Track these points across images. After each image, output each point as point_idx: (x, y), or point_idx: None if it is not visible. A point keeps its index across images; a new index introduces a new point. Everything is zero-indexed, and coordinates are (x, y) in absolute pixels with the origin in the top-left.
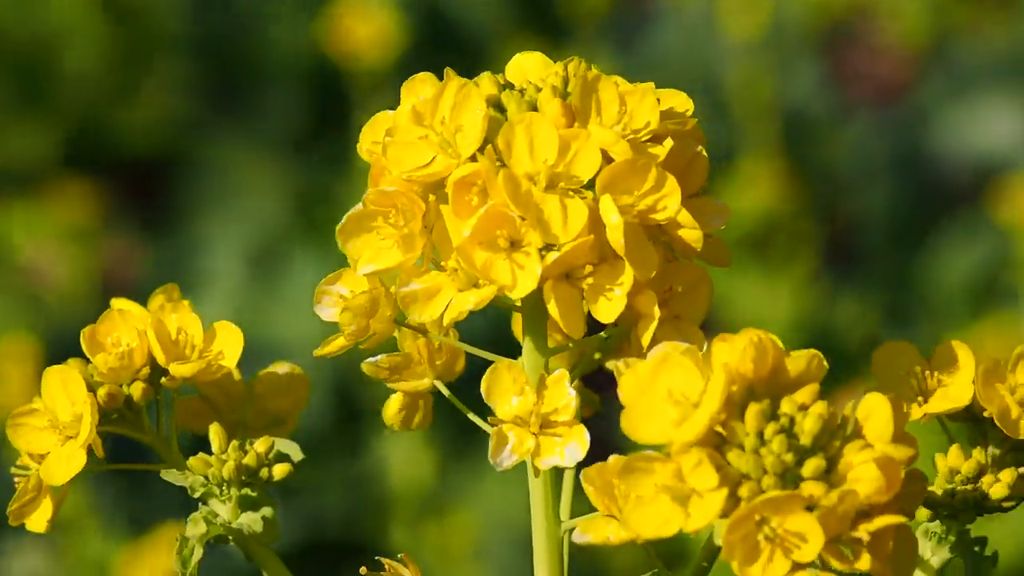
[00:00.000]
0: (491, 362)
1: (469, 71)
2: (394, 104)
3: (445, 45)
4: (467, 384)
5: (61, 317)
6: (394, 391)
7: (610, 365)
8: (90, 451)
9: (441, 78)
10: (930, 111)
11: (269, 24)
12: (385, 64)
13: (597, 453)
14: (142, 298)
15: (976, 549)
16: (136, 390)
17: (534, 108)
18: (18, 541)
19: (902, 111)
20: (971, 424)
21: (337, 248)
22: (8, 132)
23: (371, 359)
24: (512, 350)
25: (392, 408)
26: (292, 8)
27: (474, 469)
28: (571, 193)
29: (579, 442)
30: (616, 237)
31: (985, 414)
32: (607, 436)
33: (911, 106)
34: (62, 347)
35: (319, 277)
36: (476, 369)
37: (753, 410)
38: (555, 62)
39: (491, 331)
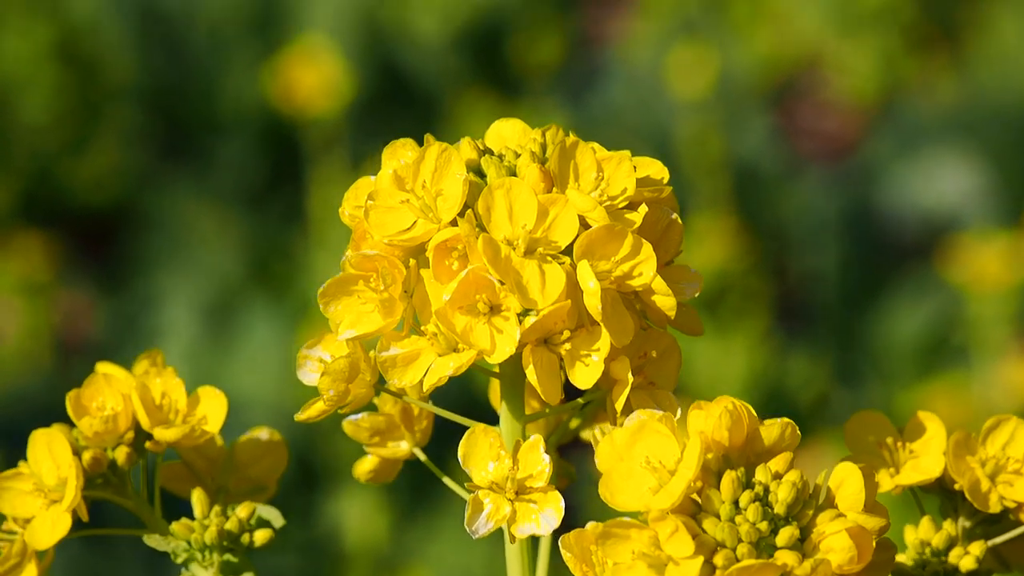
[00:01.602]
0: (461, 424)
1: (422, 123)
2: (347, 157)
3: (397, 97)
4: (432, 443)
5: (16, 371)
6: (370, 454)
7: (586, 435)
8: (75, 515)
9: (394, 130)
10: (880, 167)
11: (221, 76)
12: (336, 115)
13: (574, 521)
14: (97, 352)
15: None
16: (121, 454)
17: (513, 173)
18: None
19: (852, 167)
20: (942, 496)
21: (291, 301)
22: None
23: (353, 417)
24: (482, 416)
25: (365, 467)
26: (244, 60)
27: (429, 528)
28: (549, 258)
29: (555, 509)
30: (594, 303)
31: (956, 486)
32: (583, 503)
33: (861, 162)
34: (16, 403)
35: (273, 331)
36: (441, 431)
37: (729, 478)
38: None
39: (463, 395)
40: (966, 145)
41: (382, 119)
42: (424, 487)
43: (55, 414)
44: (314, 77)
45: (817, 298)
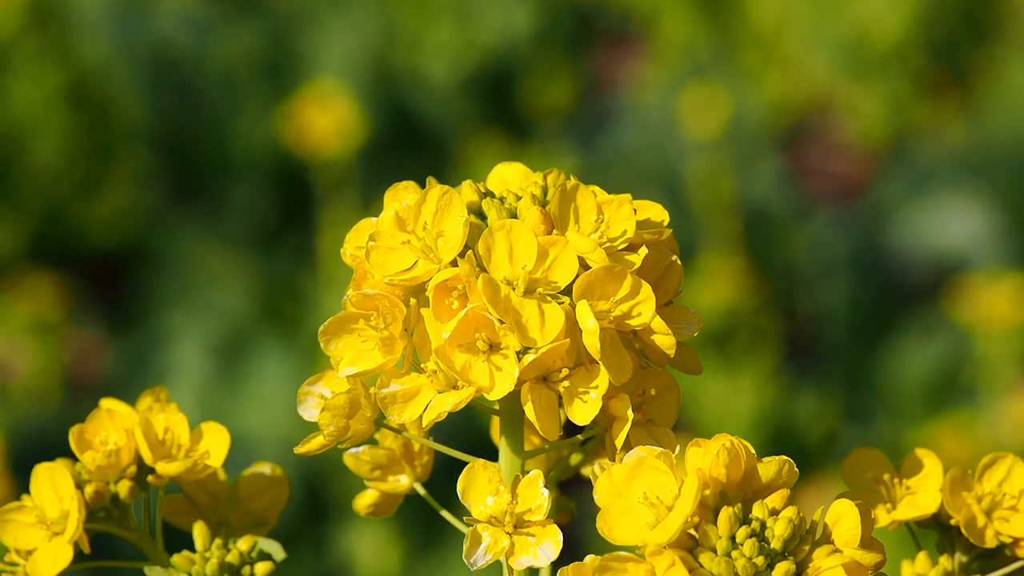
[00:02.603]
0: (461, 460)
1: (432, 166)
2: (357, 199)
3: (407, 140)
4: (433, 481)
5: (26, 410)
6: (370, 488)
7: (586, 471)
8: (77, 547)
9: (404, 173)
10: (889, 208)
11: (232, 119)
12: (347, 157)
13: (572, 554)
14: (107, 391)
15: None
16: (123, 488)
17: (514, 216)
18: None
19: (861, 208)
20: (939, 531)
21: (301, 341)
22: None
23: (354, 450)
24: (484, 452)
25: (365, 501)
26: (255, 103)
27: (440, 561)
28: (549, 298)
29: (553, 542)
30: (592, 342)
31: (952, 522)
32: (582, 536)
33: (870, 203)
34: (28, 439)
35: (283, 371)
36: (443, 466)
37: (726, 514)
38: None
39: (464, 431)
40: (975, 187)
41: (392, 161)
42: (436, 521)
43: (65, 451)
44: (325, 120)
45: (826, 337)
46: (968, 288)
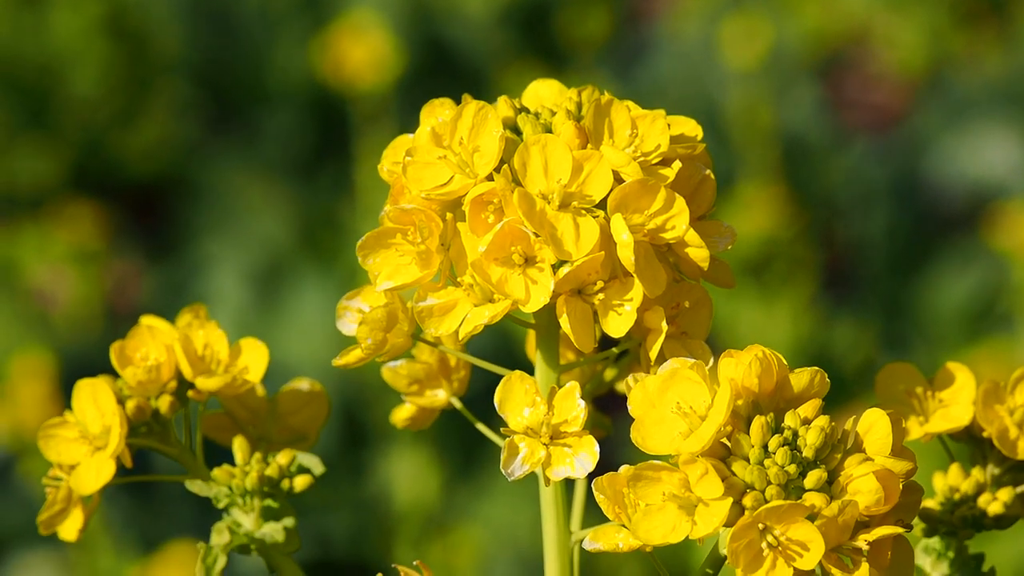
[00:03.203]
0: (498, 380)
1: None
2: (394, 129)
3: (444, 71)
4: (472, 402)
5: (68, 338)
6: (407, 403)
7: (620, 386)
8: (119, 462)
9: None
10: (927, 138)
11: (269, 49)
12: (384, 89)
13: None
14: None
15: (974, 565)
16: (163, 403)
17: (549, 131)
18: (26, 558)
19: (899, 138)
20: (971, 444)
21: (340, 270)
22: (15, 156)
23: (391, 364)
24: (520, 369)
25: (402, 415)
26: (292, 34)
27: (479, 487)
28: (583, 212)
29: (589, 453)
30: (626, 255)
31: (984, 435)
32: (616, 458)
33: (908, 133)
34: (70, 367)
35: (322, 299)
36: (482, 388)
37: (758, 423)
38: (564, 87)
39: (500, 351)
40: (1013, 117)
41: (429, 92)
42: (474, 447)
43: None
44: (362, 52)
45: (864, 266)
46: (1005, 216)
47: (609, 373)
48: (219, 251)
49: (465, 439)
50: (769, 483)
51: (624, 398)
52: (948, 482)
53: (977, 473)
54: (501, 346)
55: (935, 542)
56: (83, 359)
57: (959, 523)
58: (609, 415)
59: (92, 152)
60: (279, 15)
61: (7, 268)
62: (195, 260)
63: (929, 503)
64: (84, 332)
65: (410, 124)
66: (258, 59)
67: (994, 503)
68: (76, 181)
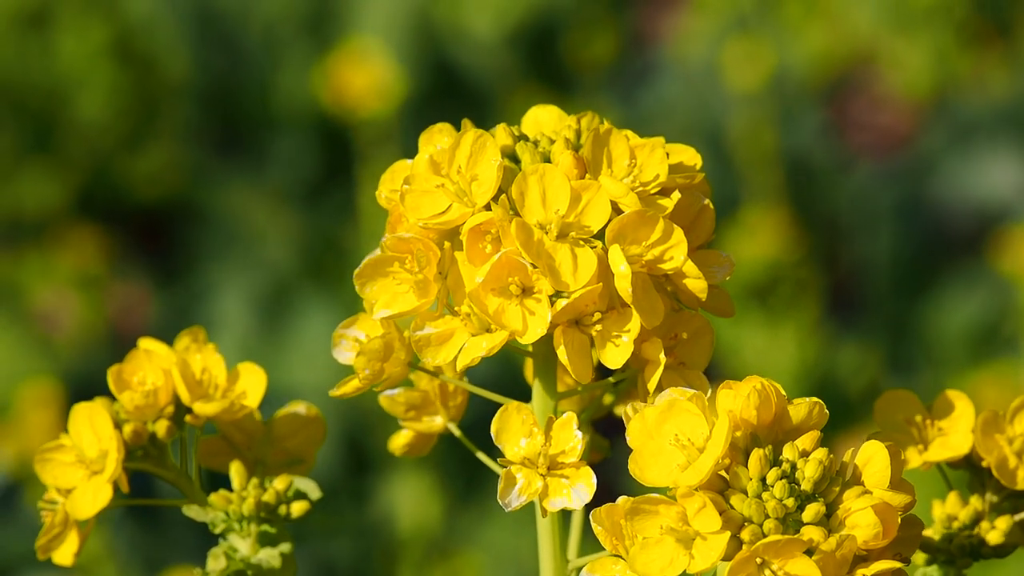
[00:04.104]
0: (498, 407)
1: (475, 121)
2: (399, 154)
3: (450, 95)
4: (474, 427)
5: (73, 362)
6: (405, 428)
7: (619, 411)
8: (115, 486)
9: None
10: (932, 161)
11: (275, 74)
12: (387, 115)
13: (605, 498)
14: None
15: None
16: (161, 428)
17: (547, 160)
18: None
19: (904, 160)
20: (970, 472)
21: (344, 295)
22: (21, 180)
23: (389, 392)
24: (520, 394)
25: (400, 441)
26: (297, 58)
27: (481, 512)
28: (581, 242)
29: (586, 484)
30: (624, 286)
31: (983, 463)
32: (615, 480)
33: (913, 155)
34: (75, 392)
35: (326, 324)
36: (482, 413)
37: (756, 456)
38: (564, 114)
39: (501, 375)
40: (1018, 139)
41: (435, 116)
42: (476, 473)
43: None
44: (366, 77)
45: (869, 289)
46: (1011, 239)
47: (608, 398)
48: (224, 276)
49: (467, 464)
50: (767, 517)
51: (622, 426)
52: (946, 511)
53: (976, 501)
54: (505, 370)
55: (933, 570)
56: (88, 384)
57: (957, 552)
58: (609, 438)
59: (98, 176)
60: (285, 39)
61: (12, 292)
62: (200, 285)
63: (927, 532)
64: (89, 357)
65: (415, 148)
66: (264, 84)
67: (992, 532)
68: (82, 205)
